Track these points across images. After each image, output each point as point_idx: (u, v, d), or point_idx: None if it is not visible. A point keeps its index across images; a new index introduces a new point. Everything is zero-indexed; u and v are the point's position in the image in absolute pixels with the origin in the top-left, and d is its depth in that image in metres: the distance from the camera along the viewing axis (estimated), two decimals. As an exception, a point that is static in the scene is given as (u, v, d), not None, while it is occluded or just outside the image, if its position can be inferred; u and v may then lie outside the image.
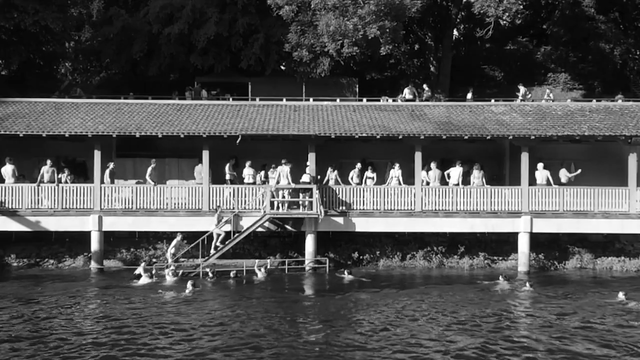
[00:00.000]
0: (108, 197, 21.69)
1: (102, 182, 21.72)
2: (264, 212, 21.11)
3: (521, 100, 27.41)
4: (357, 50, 28.36)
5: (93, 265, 21.56)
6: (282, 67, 33.90)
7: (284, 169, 21.52)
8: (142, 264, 20.48)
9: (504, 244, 22.74)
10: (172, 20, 31.59)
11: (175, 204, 21.69)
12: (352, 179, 22.47)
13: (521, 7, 30.28)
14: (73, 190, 21.74)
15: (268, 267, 21.01)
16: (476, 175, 22.21)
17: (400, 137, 21.62)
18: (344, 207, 21.76)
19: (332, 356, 12.18)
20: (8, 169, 21.72)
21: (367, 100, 26.66)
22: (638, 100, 25.90)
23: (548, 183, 22.00)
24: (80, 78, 37.44)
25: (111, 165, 22.04)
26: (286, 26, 29.88)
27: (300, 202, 21.41)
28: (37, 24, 29.06)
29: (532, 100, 27.89)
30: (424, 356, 12.16)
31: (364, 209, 21.78)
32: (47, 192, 21.58)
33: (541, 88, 33.80)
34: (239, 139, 21.52)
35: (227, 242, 20.80)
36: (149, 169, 22.01)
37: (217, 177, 22.49)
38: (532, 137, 21.67)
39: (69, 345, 12.72)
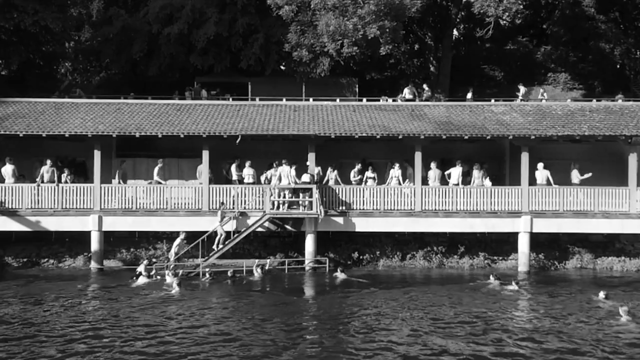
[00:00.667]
0: (121, 197, 21.65)
1: (115, 182, 21.88)
2: (264, 212, 21.11)
3: (521, 100, 27.41)
4: (357, 50, 28.35)
5: (93, 265, 21.55)
6: (282, 67, 33.90)
7: (285, 169, 21.52)
8: (143, 264, 20.48)
9: (504, 244, 22.73)
10: (172, 20, 31.60)
11: (175, 204, 21.68)
12: (352, 178, 22.47)
13: (521, 7, 30.24)
14: (73, 190, 21.74)
15: (267, 267, 20.98)
16: (476, 175, 22.21)
17: (400, 137, 21.61)
18: (343, 207, 21.76)
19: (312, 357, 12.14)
20: (8, 169, 21.72)
21: (367, 100, 26.65)
22: (638, 100, 25.90)
23: (548, 183, 21.99)
24: (80, 78, 37.46)
25: (122, 164, 21.98)
26: (286, 26, 29.88)
27: (300, 202, 21.41)
28: (37, 24, 29.08)
29: (526, 100, 27.82)
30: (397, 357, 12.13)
31: (363, 209, 21.77)
32: (47, 192, 21.58)
33: (534, 88, 33.75)
34: (239, 139, 21.52)
35: (227, 242, 20.80)
36: (157, 168, 22.05)
37: (217, 177, 22.50)
38: (532, 137, 21.66)
39: (38, 342, 12.83)
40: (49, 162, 21.85)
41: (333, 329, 14.07)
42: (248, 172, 22.07)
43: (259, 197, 21.61)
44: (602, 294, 16.99)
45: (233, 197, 21.54)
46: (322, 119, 22.95)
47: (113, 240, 22.47)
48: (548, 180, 22.02)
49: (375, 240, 22.84)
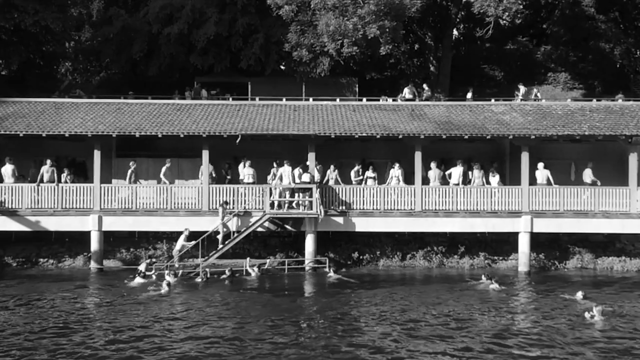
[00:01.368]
0: (136, 196, 21.67)
1: (127, 182, 21.88)
2: (264, 211, 21.10)
3: (521, 99, 27.40)
4: (357, 50, 28.34)
5: (93, 265, 21.54)
6: (282, 67, 33.90)
7: (286, 169, 21.52)
8: (145, 263, 20.43)
9: (504, 243, 22.71)
10: (172, 20, 31.60)
11: (175, 203, 21.67)
12: (353, 178, 22.46)
13: (521, 6, 30.21)
14: (73, 190, 21.73)
15: (266, 266, 20.97)
16: (476, 175, 22.20)
17: (400, 136, 21.60)
18: (343, 207, 21.75)
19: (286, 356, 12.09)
20: (8, 169, 21.71)
21: (367, 100, 26.64)
22: (638, 100, 25.87)
23: (548, 183, 21.98)
24: (80, 78, 37.44)
25: (132, 165, 22.00)
26: (286, 26, 29.86)
27: (300, 202, 21.40)
28: (37, 24, 29.07)
29: (526, 100, 27.78)
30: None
31: (363, 209, 21.76)
32: (47, 192, 21.57)
33: (532, 88, 33.73)
34: (239, 138, 21.51)
35: (226, 242, 20.79)
36: (164, 169, 22.05)
37: (220, 177, 22.56)
38: (533, 137, 21.65)
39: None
40: (49, 162, 21.83)
41: (301, 329, 13.95)
42: (248, 172, 22.06)
43: (259, 197, 21.60)
44: (580, 294, 16.97)
45: (241, 196, 21.49)
46: (322, 119, 22.95)
47: (113, 240, 22.46)
48: (548, 180, 22.00)
49: (375, 240, 22.83)
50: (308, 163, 21.83)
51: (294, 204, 21.42)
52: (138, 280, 19.13)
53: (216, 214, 21.24)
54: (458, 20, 38.01)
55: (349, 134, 21.64)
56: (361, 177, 22.59)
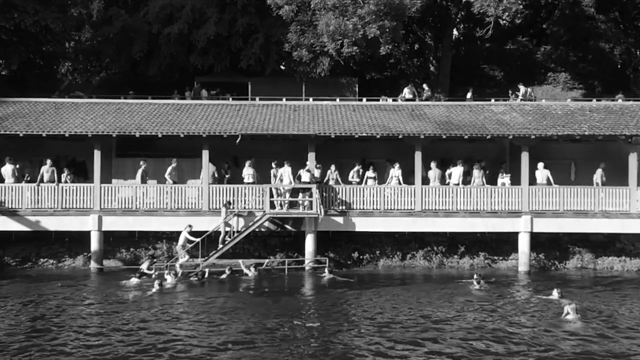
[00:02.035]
0: (145, 196, 21.66)
1: (137, 181, 21.91)
2: (264, 211, 21.10)
3: (521, 99, 27.39)
4: (356, 50, 28.34)
5: (93, 265, 21.54)
6: (282, 67, 33.90)
7: (287, 170, 21.53)
8: (147, 262, 20.42)
9: (504, 243, 22.70)
10: (172, 20, 31.59)
11: (175, 203, 21.66)
12: (352, 178, 22.45)
13: (521, 6, 30.21)
14: (73, 190, 21.73)
15: (263, 266, 20.92)
16: (476, 174, 22.20)
17: (400, 136, 21.61)
18: (344, 207, 21.75)
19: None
20: (8, 169, 21.71)
21: (367, 100, 26.64)
22: (638, 100, 25.88)
23: (548, 183, 21.98)
24: (80, 78, 37.44)
25: (143, 165, 22.00)
26: (286, 26, 29.87)
27: (300, 202, 21.40)
28: (37, 24, 29.07)
29: (515, 100, 27.72)
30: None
31: (363, 209, 21.76)
32: (47, 192, 21.57)
33: (530, 88, 33.74)
34: (239, 138, 21.52)
35: (227, 242, 20.79)
36: (169, 169, 22.02)
37: (221, 177, 22.58)
38: (532, 137, 21.65)
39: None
40: (49, 161, 21.83)
41: (274, 330, 13.85)
42: (248, 172, 22.05)
43: (259, 196, 21.60)
44: (555, 293, 16.95)
45: (248, 197, 21.48)
46: (322, 119, 22.95)
47: (113, 240, 22.45)
48: (548, 179, 22.00)
49: (375, 240, 22.83)
50: (308, 163, 21.83)
51: (294, 204, 21.42)
52: (134, 280, 19.07)
53: (216, 214, 21.24)
54: (458, 20, 38.02)
55: (349, 134, 21.65)
56: (358, 180, 22.46)
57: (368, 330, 13.86)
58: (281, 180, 21.59)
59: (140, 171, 21.93)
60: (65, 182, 21.91)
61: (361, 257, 22.32)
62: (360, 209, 21.77)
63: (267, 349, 12.43)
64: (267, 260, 21.48)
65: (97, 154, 21.85)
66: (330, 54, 29.11)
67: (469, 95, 29.21)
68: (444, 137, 21.63)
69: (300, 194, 21.44)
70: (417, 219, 21.75)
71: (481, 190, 21.92)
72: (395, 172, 22.27)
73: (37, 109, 23.34)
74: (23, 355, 11.97)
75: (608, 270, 22.12)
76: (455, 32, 39.33)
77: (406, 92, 28.54)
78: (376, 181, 22.47)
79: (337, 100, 26.22)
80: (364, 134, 21.67)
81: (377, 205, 21.77)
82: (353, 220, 21.69)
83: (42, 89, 30.17)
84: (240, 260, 20.73)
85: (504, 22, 37.48)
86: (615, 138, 21.98)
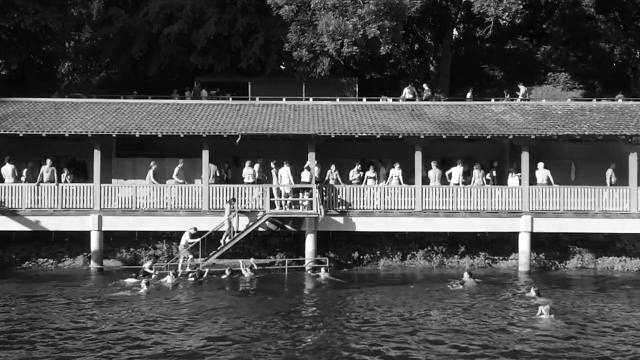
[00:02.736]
0: (165, 196, 21.68)
1: (147, 182, 21.82)
2: (264, 211, 21.09)
3: (521, 99, 27.40)
4: (356, 50, 28.35)
5: (93, 265, 21.53)
6: (282, 67, 33.91)
7: (286, 170, 21.52)
8: (149, 262, 20.41)
9: (505, 243, 22.69)
10: (172, 20, 31.61)
11: (175, 203, 21.66)
12: (351, 178, 22.45)
13: (521, 6, 30.23)
14: (73, 190, 21.73)
15: (256, 267, 20.84)
16: (476, 174, 22.19)
17: (400, 136, 21.60)
18: (344, 207, 21.74)
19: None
20: (8, 169, 21.71)
21: (367, 100, 26.64)
22: (638, 100, 25.88)
23: (548, 182, 21.97)
24: (80, 78, 37.45)
25: (154, 166, 21.98)
26: (286, 26, 29.87)
27: (300, 202, 21.39)
28: (37, 24, 29.07)
29: (512, 100, 27.69)
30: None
31: (364, 209, 21.76)
32: (47, 191, 21.56)
33: (529, 88, 33.76)
34: (239, 138, 21.51)
35: (227, 242, 20.78)
36: (177, 169, 22.00)
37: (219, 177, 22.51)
38: (533, 137, 21.65)
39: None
40: (49, 161, 21.82)
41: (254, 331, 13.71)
42: (248, 172, 22.05)
43: (259, 196, 21.59)
44: (533, 291, 16.89)
45: (255, 197, 21.42)
46: (322, 119, 22.94)
47: (113, 240, 22.44)
48: (548, 179, 21.99)
49: (375, 240, 22.81)
50: (308, 163, 21.82)
51: (294, 204, 21.41)
52: (130, 280, 18.97)
53: (216, 214, 21.23)
54: (458, 20, 38.02)
55: (348, 133, 21.64)
56: (358, 179, 22.42)
57: (359, 329, 13.79)
58: (280, 180, 21.58)
59: (150, 172, 21.93)
60: (65, 182, 21.91)
61: (361, 257, 22.31)
62: (360, 208, 21.76)
63: (247, 347, 12.30)
64: (267, 260, 21.43)
65: (97, 154, 21.84)
66: (330, 54, 29.12)
67: (469, 95, 29.20)
68: (444, 137, 21.62)
69: (300, 194, 21.43)
70: (417, 219, 21.74)
71: (481, 190, 21.91)
72: (396, 172, 22.26)
73: (37, 109, 23.33)
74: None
75: (608, 270, 22.11)
76: (455, 32, 39.33)
77: (406, 92, 28.52)
78: (376, 181, 22.47)
79: (337, 100, 26.22)
80: (364, 134, 21.67)
81: (377, 205, 21.76)
82: (353, 220, 21.68)
83: (42, 89, 30.16)
84: (240, 260, 20.72)
85: (504, 22, 37.47)
86: (615, 138, 21.98)
